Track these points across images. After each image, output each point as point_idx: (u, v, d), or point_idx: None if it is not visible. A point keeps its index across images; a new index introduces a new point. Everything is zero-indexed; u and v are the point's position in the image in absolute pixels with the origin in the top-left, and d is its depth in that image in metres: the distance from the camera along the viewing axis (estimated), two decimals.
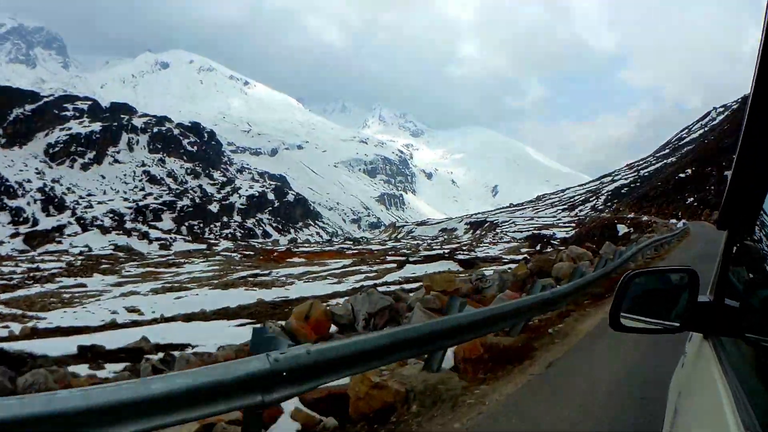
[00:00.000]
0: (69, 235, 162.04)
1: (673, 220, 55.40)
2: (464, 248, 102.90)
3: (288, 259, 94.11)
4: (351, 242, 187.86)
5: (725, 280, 2.07)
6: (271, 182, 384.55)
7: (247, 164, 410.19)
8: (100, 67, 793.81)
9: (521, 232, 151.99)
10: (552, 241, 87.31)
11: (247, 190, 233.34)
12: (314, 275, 62.61)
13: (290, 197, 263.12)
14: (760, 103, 1.13)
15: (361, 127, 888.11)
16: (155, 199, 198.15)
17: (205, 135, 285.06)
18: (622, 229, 58.47)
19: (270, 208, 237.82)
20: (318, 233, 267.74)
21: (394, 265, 63.85)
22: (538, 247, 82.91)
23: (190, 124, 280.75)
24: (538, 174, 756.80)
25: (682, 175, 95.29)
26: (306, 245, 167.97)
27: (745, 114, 1.20)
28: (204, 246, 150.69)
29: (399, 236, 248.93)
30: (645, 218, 71.38)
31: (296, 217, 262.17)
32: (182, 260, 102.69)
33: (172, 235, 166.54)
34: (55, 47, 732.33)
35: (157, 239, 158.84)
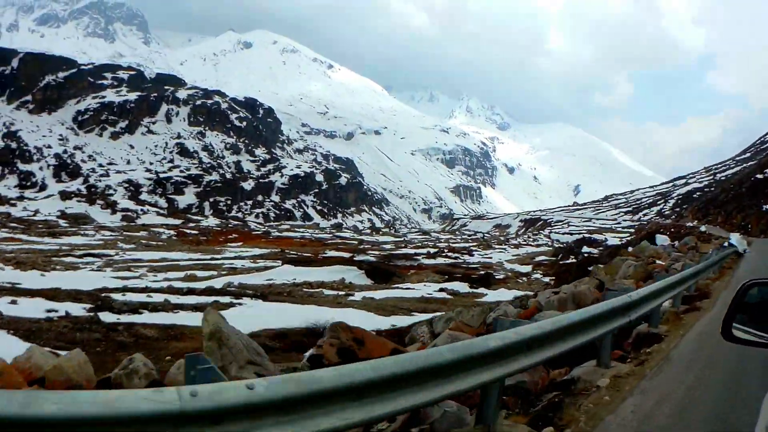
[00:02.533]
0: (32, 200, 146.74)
1: (735, 237, 36.06)
2: (473, 249, 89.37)
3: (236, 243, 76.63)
4: (374, 231, 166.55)
5: None
6: (336, 165, 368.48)
7: (313, 145, 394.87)
8: (182, 44, 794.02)
9: (571, 234, 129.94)
10: (590, 252, 64.92)
11: (292, 170, 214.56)
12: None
13: (342, 180, 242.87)
14: None
15: (448, 117, 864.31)
16: (181, 172, 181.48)
17: (260, 111, 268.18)
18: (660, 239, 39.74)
19: (316, 190, 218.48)
20: (370, 220, 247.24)
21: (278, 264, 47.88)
22: (560, 257, 67.32)
23: (244, 100, 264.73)
24: (621, 175, 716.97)
25: (759, 176, 77.60)
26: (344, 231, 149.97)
27: None
28: (180, 221, 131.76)
29: (453, 228, 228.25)
30: (703, 228, 58.16)
31: (348, 202, 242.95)
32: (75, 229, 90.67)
33: (146, 207, 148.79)
34: (136, 23, 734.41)
35: (124, 210, 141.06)
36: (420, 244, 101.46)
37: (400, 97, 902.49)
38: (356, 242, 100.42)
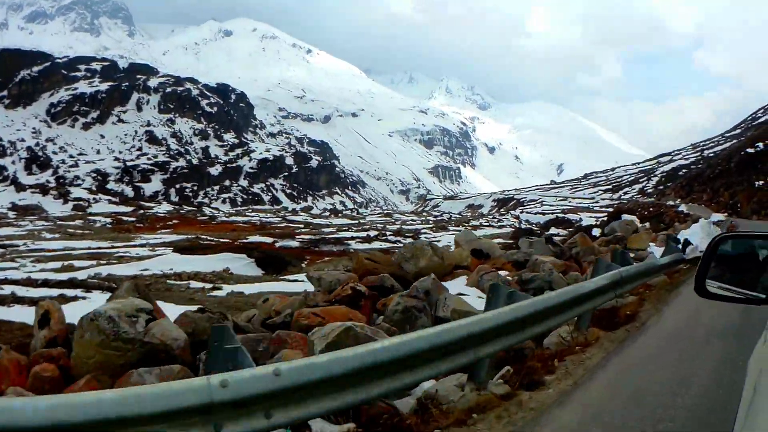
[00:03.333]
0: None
1: (717, 217, 36.70)
2: (422, 231, 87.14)
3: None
4: (333, 214, 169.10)
5: None
6: (311, 148, 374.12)
7: (289, 129, 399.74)
8: (165, 35, 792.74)
9: (544, 214, 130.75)
10: (557, 233, 62.00)
11: (261, 154, 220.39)
12: None
13: (313, 163, 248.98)
14: None
15: (428, 99, 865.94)
16: (148, 159, 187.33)
17: (233, 97, 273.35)
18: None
19: (286, 174, 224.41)
20: (342, 202, 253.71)
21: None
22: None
23: (216, 86, 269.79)
24: (608, 155, 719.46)
25: (750, 149, 74.25)
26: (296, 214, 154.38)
27: None
28: (131, 209, 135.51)
29: (425, 209, 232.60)
30: (683, 208, 55.20)
31: (320, 185, 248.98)
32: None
33: (98, 196, 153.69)
34: (121, 16, 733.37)
35: (76, 199, 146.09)
36: (371, 227, 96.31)
37: (379, 79, 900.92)
38: (303, 225, 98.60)
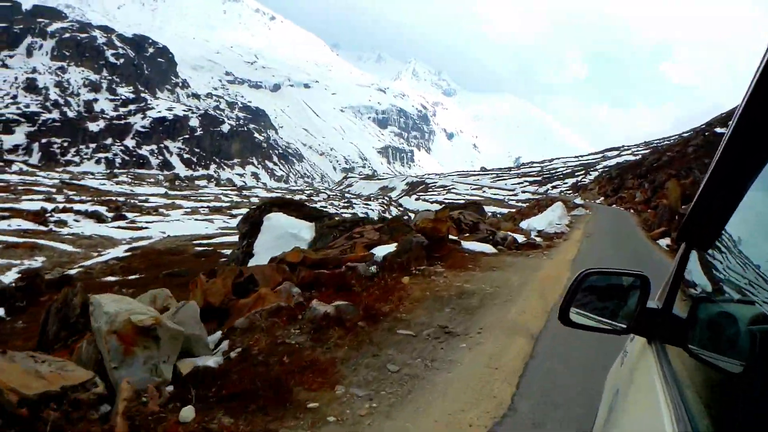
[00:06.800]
0: None
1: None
2: None
3: None
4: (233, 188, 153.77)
5: (675, 290, 2.09)
6: (248, 115, 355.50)
7: (233, 94, 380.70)
8: None
9: (447, 201, 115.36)
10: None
11: (159, 112, 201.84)
12: None
13: (225, 128, 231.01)
14: (744, 122, 1.10)
15: (393, 80, 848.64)
16: (17, 109, 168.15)
17: (150, 50, 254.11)
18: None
19: (186, 137, 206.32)
20: (255, 174, 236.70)
21: None
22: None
23: (132, 37, 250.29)
24: (566, 152, 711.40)
25: (720, 129, 60.58)
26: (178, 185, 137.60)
27: (728, 131, 1.18)
28: None
29: (343, 189, 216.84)
30: (579, 200, 52.11)
31: (231, 153, 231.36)
32: None
33: None
34: None
35: None
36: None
37: (346, 55, 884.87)
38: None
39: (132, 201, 64.48)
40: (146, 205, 63.02)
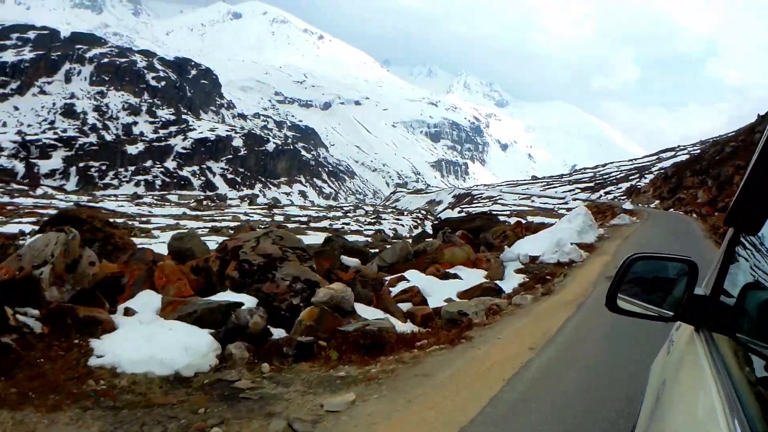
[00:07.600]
0: None
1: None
2: None
3: None
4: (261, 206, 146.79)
5: (723, 277, 2.04)
6: (297, 134, 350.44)
7: (283, 114, 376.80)
8: (172, 15, 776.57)
9: (494, 211, 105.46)
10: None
11: (201, 133, 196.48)
12: None
13: (270, 147, 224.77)
14: None
15: (446, 93, 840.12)
16: (54, 134, 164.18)
17: (193, 72, 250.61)
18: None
19: (230, 157, 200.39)
20: (302, 192, 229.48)
21: None
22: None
23: (173, 60, 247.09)
24: (621, 157, 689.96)
25: (758, 131, 50.38)
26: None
27: None
28: None
29: (389, 204, 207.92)
30: (628, 205, 46.72)
31: (277, 172, 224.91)
32: None
33: None
34: None
35: None
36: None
37: (398, 71, 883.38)
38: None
39: (132, 222, 56.65)
40: (146, 226, 54.75)
